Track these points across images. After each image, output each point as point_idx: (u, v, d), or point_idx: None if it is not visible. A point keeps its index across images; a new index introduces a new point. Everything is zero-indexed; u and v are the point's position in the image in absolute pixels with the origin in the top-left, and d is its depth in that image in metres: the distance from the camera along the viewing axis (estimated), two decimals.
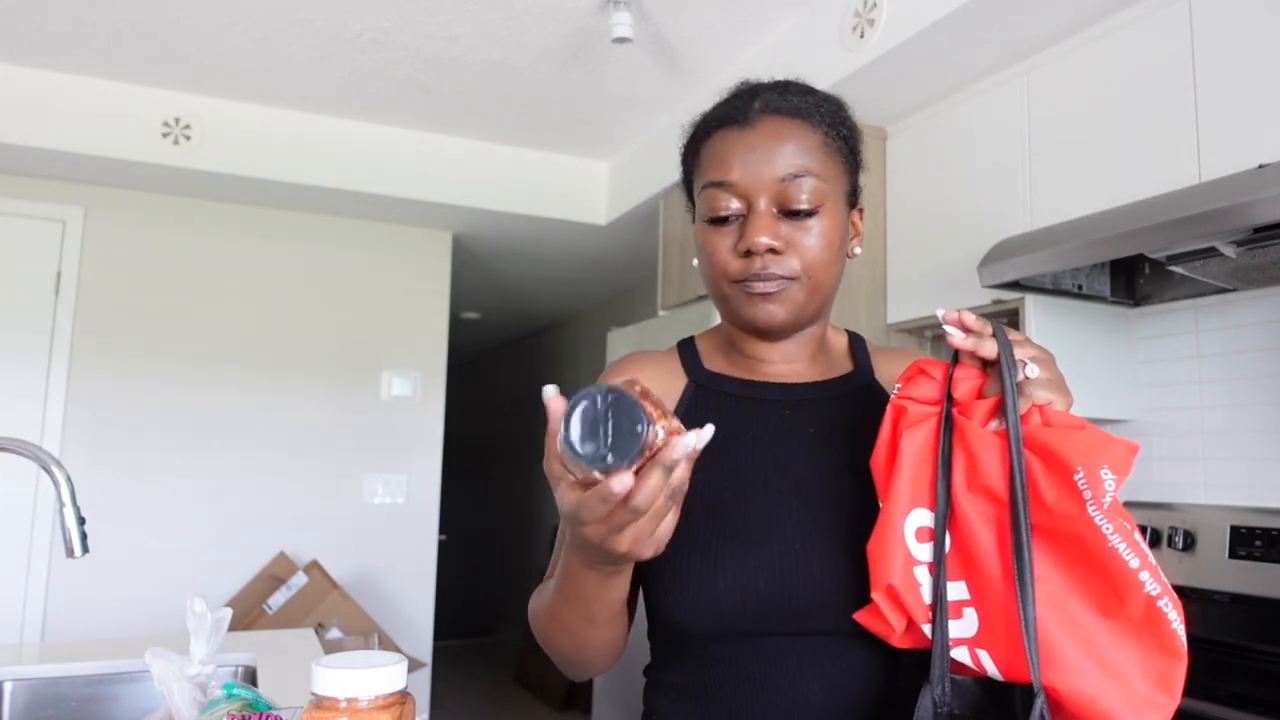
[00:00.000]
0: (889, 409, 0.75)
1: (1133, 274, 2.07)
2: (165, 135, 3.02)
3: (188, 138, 3.05)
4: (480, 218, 3.62)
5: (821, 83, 2.35)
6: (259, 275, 3.50)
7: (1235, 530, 1.81)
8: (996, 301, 2.05)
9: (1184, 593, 1.87)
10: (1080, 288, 2.01)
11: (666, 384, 0.90)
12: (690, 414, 0.87)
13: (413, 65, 2.82)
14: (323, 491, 3.52)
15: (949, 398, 0.73)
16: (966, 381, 0.72)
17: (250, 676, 1.62)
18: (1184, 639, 0.66)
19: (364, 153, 3.30)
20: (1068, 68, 2.04)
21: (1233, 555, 1.80)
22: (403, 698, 0.63)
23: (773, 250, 0.79)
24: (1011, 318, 2.04)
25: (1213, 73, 1.73)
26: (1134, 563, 0.65)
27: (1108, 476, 0.65)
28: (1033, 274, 1.87)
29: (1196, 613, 1.85)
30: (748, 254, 0.80)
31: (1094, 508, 0.66)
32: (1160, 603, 0.65)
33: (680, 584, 0.78)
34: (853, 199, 0.88)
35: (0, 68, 2.85)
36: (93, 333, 3.22)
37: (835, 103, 0.86)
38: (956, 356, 0.73)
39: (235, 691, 0.90)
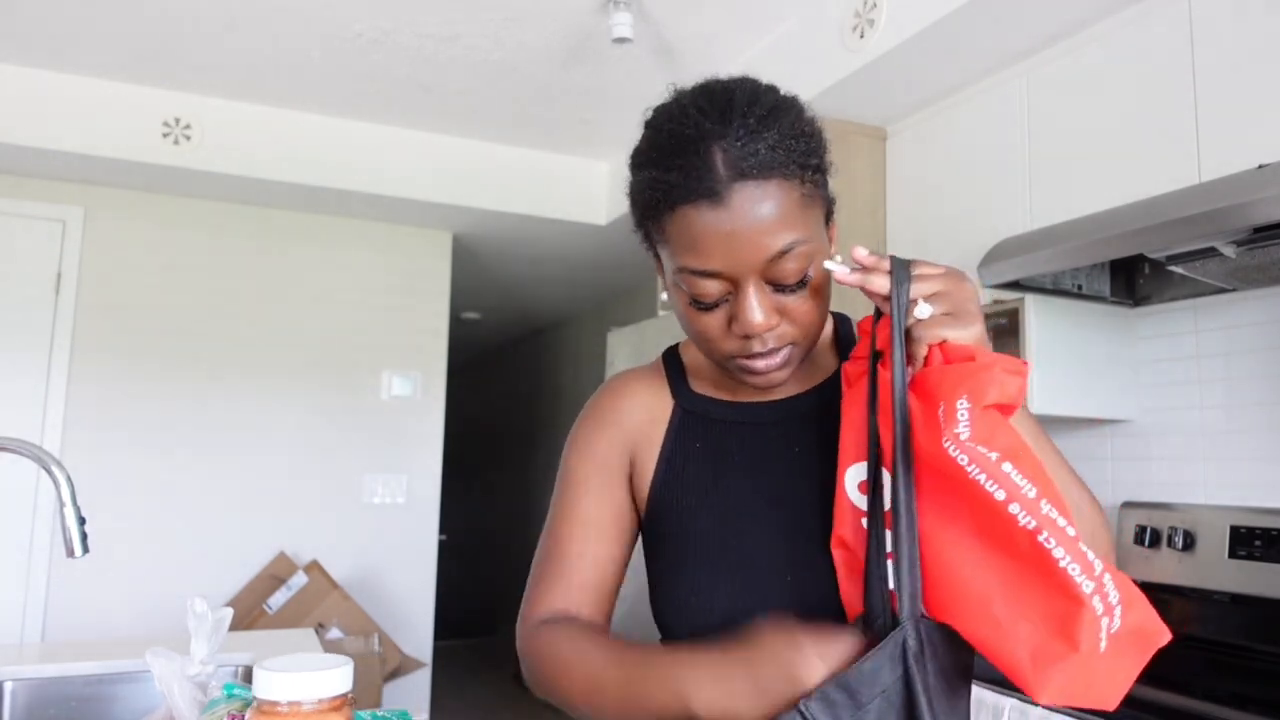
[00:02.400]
0: (842, 373, 0.77)
1: (1133, 274, 2.07)
2: (165, 135, 3.02)
3: (188, 138, 3.05)
4: (480, 218, 3.62)
5: (822, 83, 2.35)
6: (259, 275, 3.50)
7: (1235, 530, 1.81)
8: (997, 301, 2.05)
9: (1184, 593, 1.87)
10: (1080, 288, 2.01)
11: (653, 410, 0.89)
12: (677, 439, 0.87)
13: (413, 65, 2.82)
14: (323, 491, 3.52)
15: (875, 352, 0.73)
16: (885, 330, 0.71)
17: (250, 676, 1.62)
18: (1080, 580, 0.59)
19: (364, 153, 3.30)
20: (1068, 68, 2.04)
21: (1233, 555, 1.80)
22: (347, 700, 0.62)
23: (772, 327, 0.74)
24: (1011, 318, 2.05)
25: (1213, 73, 1.73)
26: (999, 495, 0.61)
27: (962, 406, 0.63)
28: (1033, 274, 1.87)
29: (1196, 613, 1.85)
30: (745, 336, 0.74)
31: (948, 441, 0.63)
32: (1040, 538, 0.60)
33: (682, 620, 0.80)
34: (829, 218, 0.80)
35: (0, 68, 2.85)
36: (93, 333, 3.22)
37: (797, 119, 0.74)
38: (878, 312, 0.73)
39: (235, 691, 0.90)
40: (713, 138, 0.70)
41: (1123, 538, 2.01)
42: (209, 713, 0.88)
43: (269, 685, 0.59)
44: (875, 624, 0.68)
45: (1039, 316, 1.99)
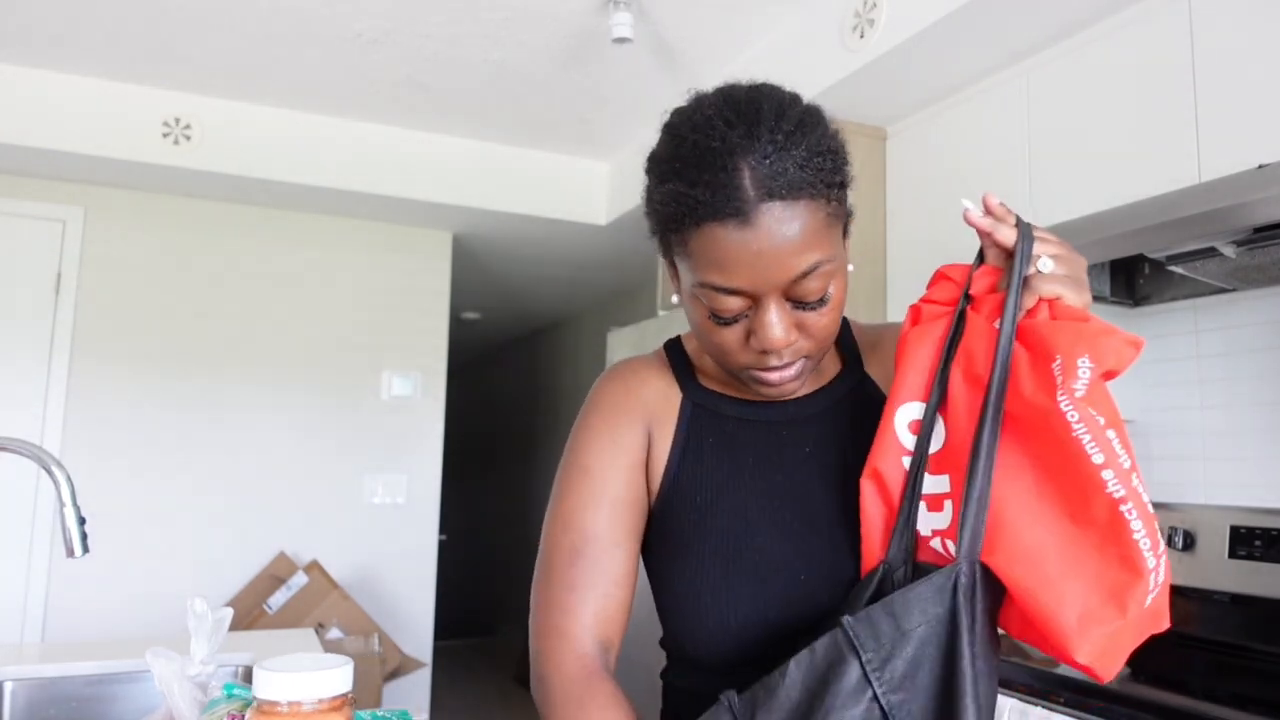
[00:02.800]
0: (908, 312, 0.77)
1: (1133, 274, 2.07)
2: (165, 135, 3.02)
3: (188, 138, 3.05)
4: (480, 218, 3.62)
5: (821, 83, 2.35)
6: (259, 275, 3.50)
7: (1235, 530, 1.80)
8: None
9: (1184, 593, 1.87)
10: None
11: (666, 400, 0.88)
12: (694, 433, 0.85)
13: (413, 65, 2.82)
14: (323, 491, 3.52)
15: (966, 295, 0.73)
16: (984, 279, 0.72)
17: (250, 676, 1.62)
18: (1147, 555, 0.62)
19: (364, 153, 3.30)
20: (1068, 68, 2.04)
21: (1233, 555, 1.80)
22: (347, 700, 0.62)
23: (788, 343, 0.74)
24: None
25: (1213, 73, 1.73)
26: (1098, 458, 0.62)
27: (1084, 365, 0.63)
28: None
29: (1196, 613, 1.85)
30: (763, 351, 0.74)
31: (1063, 395, 0.63)
32: (1124, 508, 0.62)
33: (696, 623, 0.79)
34: (847, 229, 0.79)
35: (0, 68, 2.85)
36: (93, 333, 3.22)
37: (824, 134, 0.73)
38: (980, 259, 0.73)
39: (235, 692, 0.90)
40: (740, 153, 0.69)
41: None
42: (209, 713, 0.88)
43: (269, 685, 0.59)
44: (896, 570, 0.68)
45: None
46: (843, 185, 0.74)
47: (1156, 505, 1.97)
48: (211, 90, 3.04)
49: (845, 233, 0.78)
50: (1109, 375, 0.66)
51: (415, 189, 3.37)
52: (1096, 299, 2.04)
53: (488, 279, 4.80)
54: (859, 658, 0.64)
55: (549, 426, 6.10)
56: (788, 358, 0.75)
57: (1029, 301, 0.69)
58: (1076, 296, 0.68)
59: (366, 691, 2.87)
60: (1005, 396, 0.67)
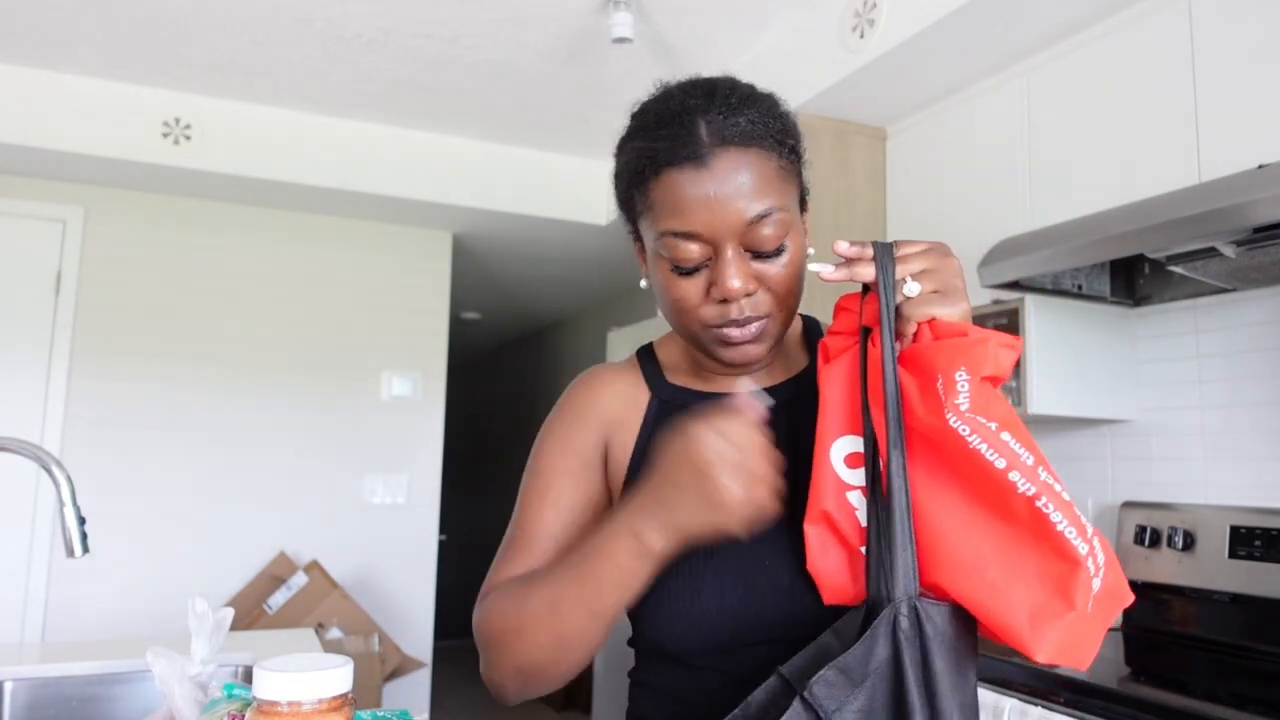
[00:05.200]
0: (819, 348, 0.78)
1: (1133, 274, 2.07)
2: (165, 135, 3.02)
3: (188, 138, 3.05)
4: (480, 218, 3.62)
5: (822, 83, 2.35)
6: (259, 275, 3.50)
7: (1235, 530, 1.81)
8: (996, 301, 2.05)
9: (1184, 593, 1.88)
10: (1080, 288, 2.01)
11: (629, 401, 0.89)
12: (654, 429, 0.87)
13: (413, 65, 2.82)
14: (323, 491, 3.52)
15: (864, 328, 0.74)
16: (873, 306, 0.73)
17: (250, 676, 1.62)
18: (1076, 542, 0.63)
19: (364, 153, 3.30)
20: (1068, 68, 2.04)
21: (1233, 555, 1.80)
22: (347, 700, 0.62)
23: (749, 294, 0.77)
24: (1011, 318, 2.05)
25: (1213, 73, 1.73)
26: (1000, 463, 0.64)
27: (961, 377, 0.65)
28: (1032, 274, 1.87)
29: (1196, 613, 1.85)
30: (723, 300, 0.76)
31: (949, 412, 0.65)
32: (1039, 503, 0.63)
33: (661, 607, 0.80)
34: (803, 204, 0.83)
35: (0, 68, 2.85)
36: (93, 333, 3.22)
37: (774, 105, 0.80)
38: (866, 288, 0.74)
39: (235, 691, 0.90)
40: (697, 111, 0.76)
41: (1123, 538, 2.01)
42: (209, 713, 0.88)
43: (269, 685, 0.59)
44: (878, 610, 0.68)
45: (1039, 317, 1.99)
46: (795, 151, 0.79)
47: (1157, 505, 1.98)
48: (211, 90, 3.04)
49: (804, 206, 0.83)
50: (995, 380, 0.68)
51: (415, 189, 3.37)
52: (1097, 299, 2.04)
53: (488, 279, 4.80)
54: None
55: None
56: (748, 311, 0.76)
57: (909, 328, 0.70)
58: (951, 309, 0.69)
59: (366, 691, 2.87)
60: (902, 429, 0.69)
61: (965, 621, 0.68)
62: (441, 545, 3.80)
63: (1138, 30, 1.89)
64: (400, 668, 3.36)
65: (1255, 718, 1.32)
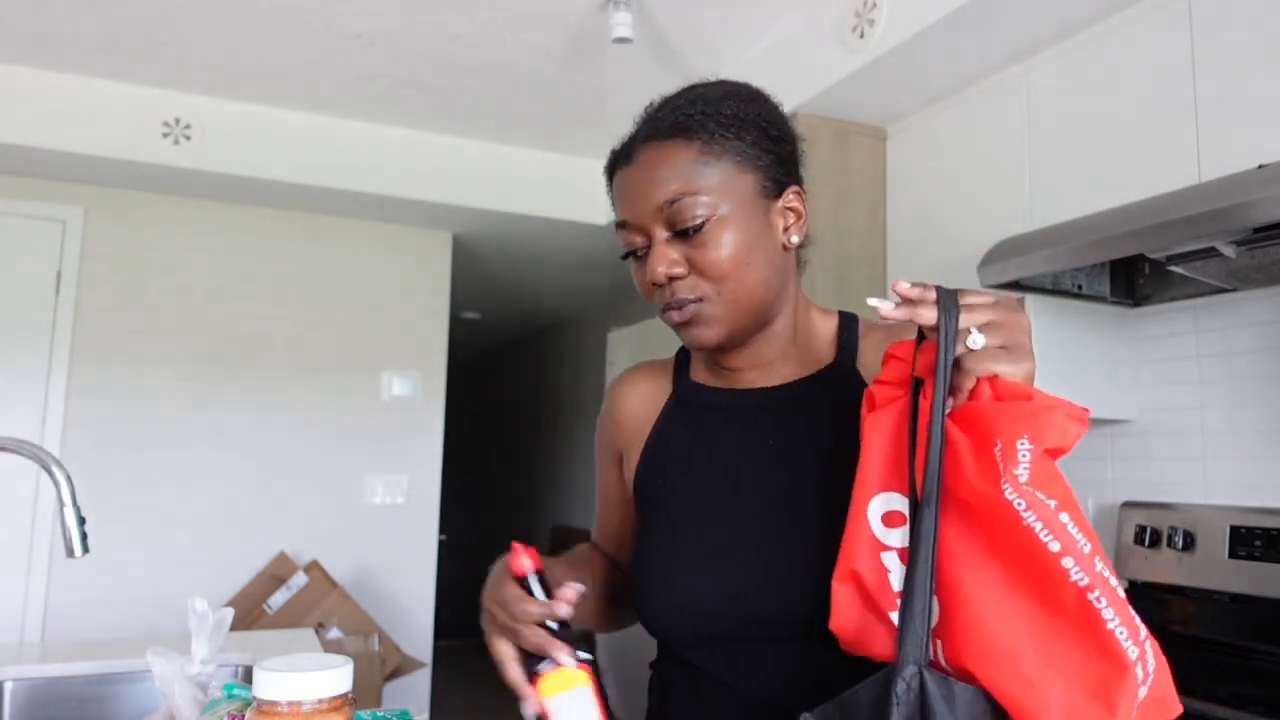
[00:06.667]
0: (865, 396, 0.73)
1: (1133, 274, 2.07)
2: (165, 135, 3.02)
3: (188, 138, 3.05)
4: (480, 218, 3.62)
5: (822, 83, 2.35)
6: (259, 275, 3.50)
7: (1235, 530, 1.80)
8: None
9: (1184, 593, 1.87)
10: (1080, 288, 2.01)
11: (649, 403, 0.94)
12: (665, 423, 0.91)
13: (413, 65, 2.82)
14: (323, 491, 3.52)
15: (915, 378, 0.68)
16: (927, 356, 0.66)
17: (250, 676, 1.62)
18: (1127, 646, 0.56)
19: (364, 153, 3.30)
20: (1068, 68, 2.04)
21: (1233, 555, 1.80)
22: (347, 700, 0.62)
23: (675, 277, 0.80)
24: None
25: (1213, 73, 1.73)
26: (1054, 546, 0.58)
27: (1023, 447, 0.59)
28: (1033, 274, 1.87)
29: (1196, 613, 1.85)
30: (657, 285, 0.81)
31: (1006, 483, 0.59)
32: (1090, 596, 0.57)
33: (648, 600, 0.84)
34: (772, 188, 0.82)
35: (1, 68, 2.85)
36: (93, 332, 3.22)
37: (726, 98, 0.82)
38: (921, 336, 0.68)
39: (235, 692, 0.90)
40: (644, 118, 0.85)
41: (1123, 538, 2.01)
42: (209, 713, 0.88)
43: (269, 685, 0.59)
44: (908, 670, 0.61)
45: (1039, 317, 1.99)
46: (738, 134, 0.81)
47: (1157, 505, 1.98)
48: (211, 90, 3.04)
49: (779, 191, 0.83)
50: (1056, 453, 0.62)
51: (415, 189, 3.37)
52: (1097, 299, 2.04)
53: (488, 279, 4.80)
54: None
55: (549, 426, 6.10)
56: (680, 293, 0.80)
57: (967, 383, 0.64)
58: (1015, 368, 0.64)
59: (366, 691, 2.87)
60: (940, 488, 0.63)
61: (995, 714, 0.60)
62: (441, 545, 3.79)
63: (1138, 30, 1.89)
64: (400, 668, 3.36)
65: (1255, 718, 1.32)
